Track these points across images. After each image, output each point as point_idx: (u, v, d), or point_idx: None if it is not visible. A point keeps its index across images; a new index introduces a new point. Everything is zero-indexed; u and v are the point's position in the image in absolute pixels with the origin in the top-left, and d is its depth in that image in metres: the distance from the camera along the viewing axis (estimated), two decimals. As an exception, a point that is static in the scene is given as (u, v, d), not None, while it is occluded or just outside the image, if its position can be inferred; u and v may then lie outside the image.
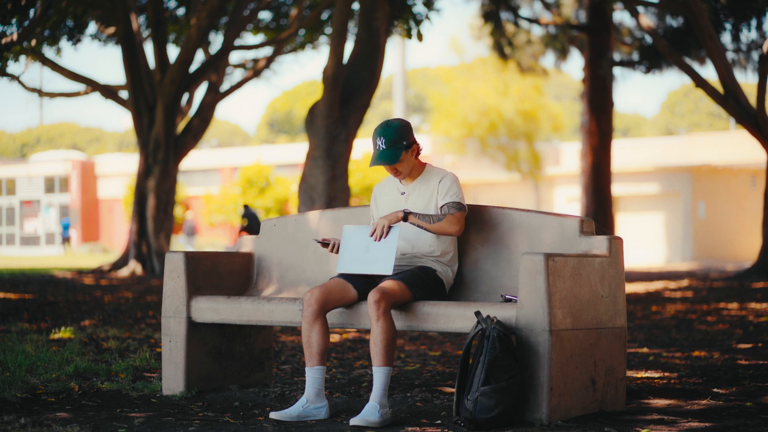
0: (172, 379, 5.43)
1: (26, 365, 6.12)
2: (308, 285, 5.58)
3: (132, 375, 6.06)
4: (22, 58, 19.64)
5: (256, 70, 22.39)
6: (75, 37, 19.42)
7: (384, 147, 5.01)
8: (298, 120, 64.11)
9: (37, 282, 16.32)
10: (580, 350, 4.70)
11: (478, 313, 4.58)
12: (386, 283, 4.80)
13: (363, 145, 32.97)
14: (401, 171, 5.06)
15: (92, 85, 20.76)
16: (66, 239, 42.86)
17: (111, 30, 20.50)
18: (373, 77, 15.02)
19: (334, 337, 8.54)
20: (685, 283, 16.88)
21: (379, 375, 4.73)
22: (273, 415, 4.78)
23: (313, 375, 4.85)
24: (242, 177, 39.75)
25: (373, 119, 60.38)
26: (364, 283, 4.99)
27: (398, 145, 5.02)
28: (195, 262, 5.47)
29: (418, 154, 5.09)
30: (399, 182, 5.18)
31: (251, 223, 20.64)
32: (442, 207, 5.01)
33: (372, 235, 4.93)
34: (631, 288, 14.85)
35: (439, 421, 4.69)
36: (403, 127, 5.04)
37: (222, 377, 5.58)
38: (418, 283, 4.91)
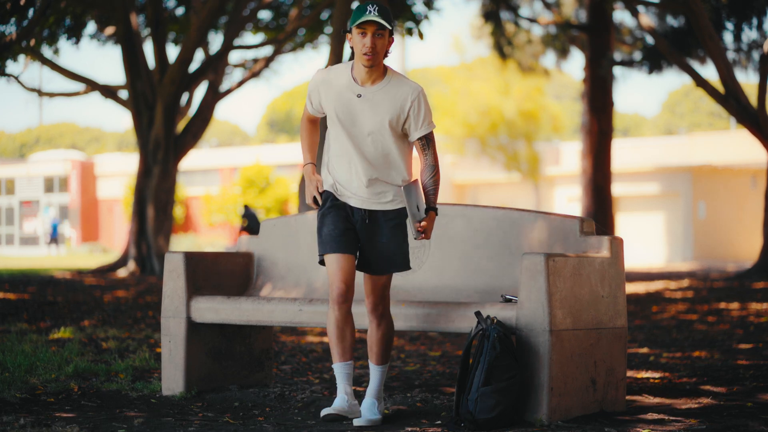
0: (172, 380, 5.42)
1: (26, 365, 6.11)
2: (308, 285, 5.57)
3: (132, 375, 6.05)
4: (21, 57, 19.63)
5: (255, 70, 22.37)
6: (74, 36, 19.41)
7: (376, 14, 4.49)
8: (298, 120, 64.09)
9: (36, 282, 16.31)
10: (580, 350, 4.69)
11: (478, 314, 4.57)
12: (380, 282, 4.67)
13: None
14: (378, 52, 4.52)
15: (91, 85, 20.75)
16: (53, 239, 42.76)
17: (110, 30, 20.49)
18: None
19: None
20: (685, 283, 16.87)
21: (378, 372, 4.75)
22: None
23: (347, 370, 4.64)
24: (242, 177, 39.74)
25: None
26: (357, 249, 4.69)
27: (388, 21, 4.52)
28: (195, 262, 5.46)
29: (388, 52, 4.59)
30: (352, 80, 4.60)
31: (251, 224, 20.63)
32: (419, 140, 4.60)
33: (416, 237, 4.59)
34: (631, 288, 14.84)
35: (439, 422, 4.68)
36: (389, 10, 4.59)
37: (222, 377, 5.57)
38: (406, 251, 4.70)
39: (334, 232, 4.58)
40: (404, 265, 4.68)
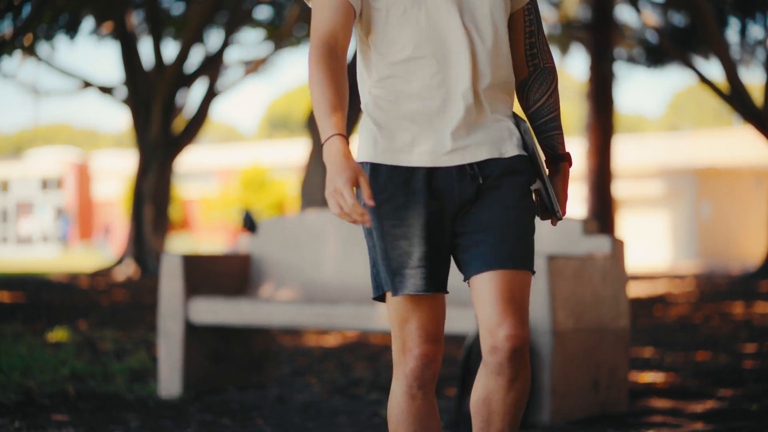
0: (170, 382, 5.38)
1: (21, 367, 6.07)
2: (307, 286, 5.51)
3: (129, 377, 6.00)
4: (17, 56, 19.59)
5: (254, 68, 22.34)
6: (71, 32, 19.36)
7: None
8: (297, 121, 64.18)
9: (32, 283, 16.28)
10: (582, 352, 4.64)
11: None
12: (513, 284, 2.51)
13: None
14: None
15: (88, 83, 20.73)
16: (63, 238, 42.88)
17: (108, 27, 20.46)
18: None
19: (330, 341, 8.47)
20: (689, 283, 16.82)
21: None
22: None
23: None
24: (241, 178, 39.77)
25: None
26: (445, 267, 2.62)
27: None
28: (193, 263, 5.42)
29: None
30: None
31: (250, 224, 20.59)
32: (524, 9, 2.65)
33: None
34: (634, 289, 14.79)
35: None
36: None
37: (220, 379, 5.53)
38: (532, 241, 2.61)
39: (411, 251, 2.54)
40: (530, 259, 2.57)
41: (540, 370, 4.49)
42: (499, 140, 2.58)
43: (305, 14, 19.61)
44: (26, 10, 12.85)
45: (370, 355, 7.37)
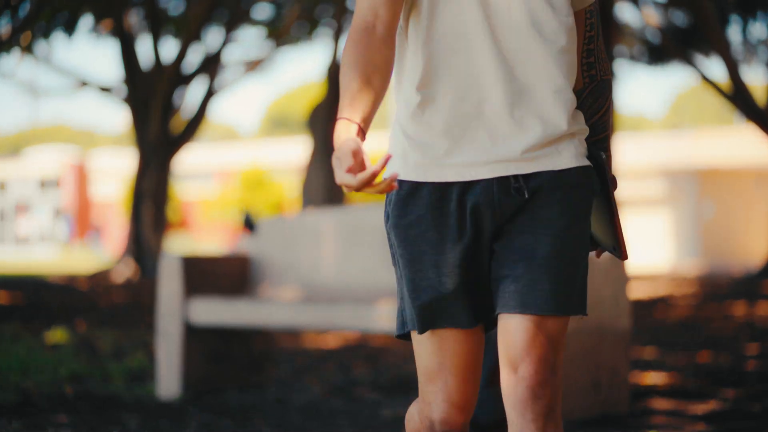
0: (168, 382, 5.36)
1: (19, 368, 6.05)
2: (307, 286, 5.49)
3: (127, 378, 5.98)
4: (15, 55, 19.57)
5: (253, 67, 22.32)
6: (69, 29, 19.34)
7: None
8: (297, 123, 64.21)
9: (30, 284, 16.26)
10: (582, 352, 4.61)
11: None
12: (549, 331, 2.11)
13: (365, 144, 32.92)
14: None
15: (87, 83, 20.72)
16: (68, 238, 42.92)
17: (107, 26, 20.44)
18: None
19: (330, 342, 8.45)
20: (691, 284, 16.80)
21: None
22: None
23: None
24: (240, 178, 39.78)
25: (375, 118, 60.42)
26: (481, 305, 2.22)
27: None
28: (192, 263, 5.40)
29: None
30: None
31: (249, 224, 20.58)
32: (586, 10, 2.29)
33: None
34: (636, 289, 14.76)
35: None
36: None
37: (219, 380, 5.51)
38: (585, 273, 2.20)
39: (443, 281, 2.17)
40: (581, 301, 2.17)
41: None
42: (552, 148, 2.15)
43: (305, 13, 19.62)
44: (25, 8, 12.83)
45: (370, 355, 7.35)
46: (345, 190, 1.97)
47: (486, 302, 2.17)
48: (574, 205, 2.15)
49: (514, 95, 2.14)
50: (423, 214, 2.16)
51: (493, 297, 2.16)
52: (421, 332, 2.17)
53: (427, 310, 2.16)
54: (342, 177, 1.93)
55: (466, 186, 2.15)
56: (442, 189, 2.16)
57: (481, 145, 2.14)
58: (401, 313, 2.22)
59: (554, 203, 2.13)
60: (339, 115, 2.06)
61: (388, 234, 2.22)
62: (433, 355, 2.18)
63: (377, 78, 2.08)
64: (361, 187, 1.92)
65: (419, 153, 2.18)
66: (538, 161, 2.14)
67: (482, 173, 2.13)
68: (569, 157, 2.16)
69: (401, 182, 2.19)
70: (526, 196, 2.13)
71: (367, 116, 2.06)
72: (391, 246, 2.22)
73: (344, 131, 2.02)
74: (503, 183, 2.13)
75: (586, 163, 2.18)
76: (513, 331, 2.10)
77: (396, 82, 2.26)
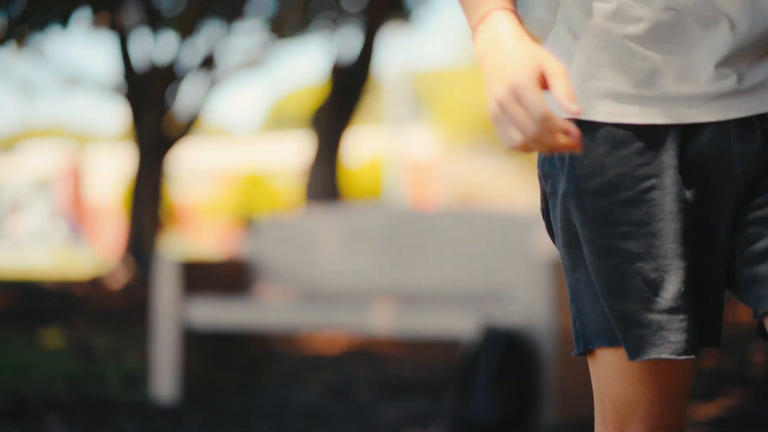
0: (165, 385, 5.32)
1: (13, 370, 6.03)
2: (306, 287, 5.45)
3: (124, 381, 5.95)
4: (10, 51, 19.57)
5: (252, 64, 22.32)
6: (64, 23, 19.32)
7: None
8: (297, 121, 64.37)
9: (25, 285, 16.23)
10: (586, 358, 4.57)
11: (480, 316, 4.47)
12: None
13: (364, 143, 33.00)
14: None
15: (82, 81, 20.70)
16: (65, 238, 42.95)
17: (104, 20, 20.40)
18: (374, 74, 15.11)
19: (329, 343, 8.41)
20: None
21: None
22: None
23: None
24: (239, 178, 39.83)
25: (375, 117, 60.55)
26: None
27: None
28: (189, 265, 5.37)
29: None
30: None
31: (248, 224, 20.61)
32: None
33: None
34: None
35: (440, 426, 4.58)
36: None
37: (218, 382, 5.48)
38: None
39: (660, 279, 1.41)
40: None
41: (542, 371, 4.44)
42: None
43: (303, 4, 19.63)
44: (19, 4, 12.79)
45: (369, 357, 7.33)
46: (509, 148, 1.31)
47: (715, 313, 1.51)
48: None
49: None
50: (620, 174, 1.42)
51: (744, 293, 1.45)
52: (633, 358, 1.46)
53: (636, 324, 1.43)
54: (526, 124, 1.27)
55: (686, 130, 1.43)
56: (647, 134, 1.43)
57: (703, 70, 1.41)
58: (580, 328, 1.53)
59: None
60: (481, 5, 1.35)
61: (552, 209, 1.49)
62: (634, 372, 1.49)
63: None
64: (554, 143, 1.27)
65: (603, 78, 1.44)
66: None
67: (709, 114, 1.42)
68: None
69: (580, 123, 1.44)
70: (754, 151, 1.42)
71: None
72: (561, 224, 1.48)
73: (508, 23, 1.32)
74: (743, 125, 1.42)
75: None
76: None
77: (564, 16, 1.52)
